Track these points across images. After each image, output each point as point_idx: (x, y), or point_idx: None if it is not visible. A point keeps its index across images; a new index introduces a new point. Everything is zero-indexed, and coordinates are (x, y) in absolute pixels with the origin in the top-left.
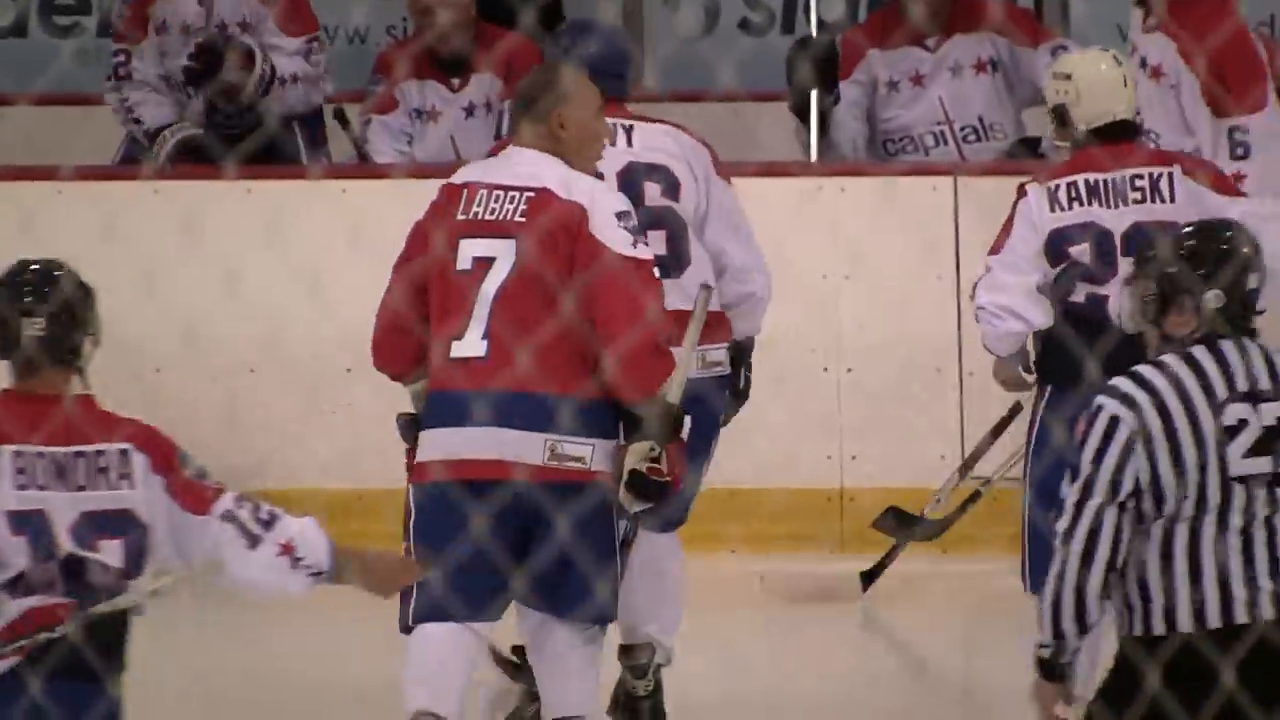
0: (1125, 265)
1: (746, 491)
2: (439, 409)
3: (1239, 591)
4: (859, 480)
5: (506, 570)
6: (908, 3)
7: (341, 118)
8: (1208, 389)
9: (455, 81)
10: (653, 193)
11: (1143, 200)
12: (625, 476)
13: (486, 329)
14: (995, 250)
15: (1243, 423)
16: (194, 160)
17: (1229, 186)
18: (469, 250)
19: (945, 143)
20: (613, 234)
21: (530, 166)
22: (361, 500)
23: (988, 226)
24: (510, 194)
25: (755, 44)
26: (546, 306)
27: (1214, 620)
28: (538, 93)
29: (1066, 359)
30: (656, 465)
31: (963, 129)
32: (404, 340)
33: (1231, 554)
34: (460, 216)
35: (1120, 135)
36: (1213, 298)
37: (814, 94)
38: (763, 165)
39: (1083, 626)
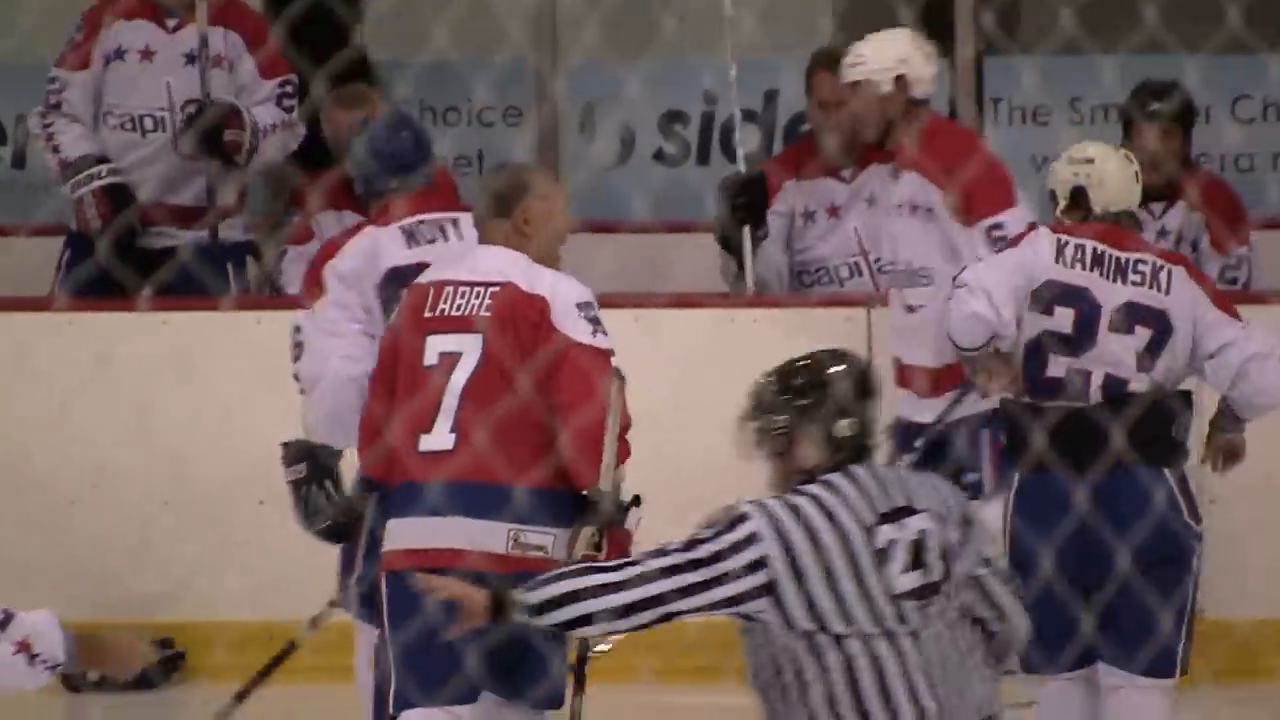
0: (1107, 340)
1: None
2: (406, 500)
3: (913, 709)
4: None
5: (465, 654)
6: (821, 135)
7: (254, 250)
8: (856, 515)
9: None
10: None
11: (1141, 284)
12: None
13: (454, 422)
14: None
15: (893, 543)
16: (116, 208)
17: (1229, 307)
18: (436, 346)
19: (860, 274)
20: (573, 324)
21: (493, 261)
22: (272, 633)
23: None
24: (475, 289)
25: (670, 174)
26: (511, 398)
27: None
28: (502, 189)
29: (1026, 446)
30: (595, 553)
31: (877, 260)
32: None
33: (913, 671)
34: (428, 314)
35: (1131, 225)
36: (846, 426)
37: (746, 227)
38: (676, 296)
39: (565, 626)
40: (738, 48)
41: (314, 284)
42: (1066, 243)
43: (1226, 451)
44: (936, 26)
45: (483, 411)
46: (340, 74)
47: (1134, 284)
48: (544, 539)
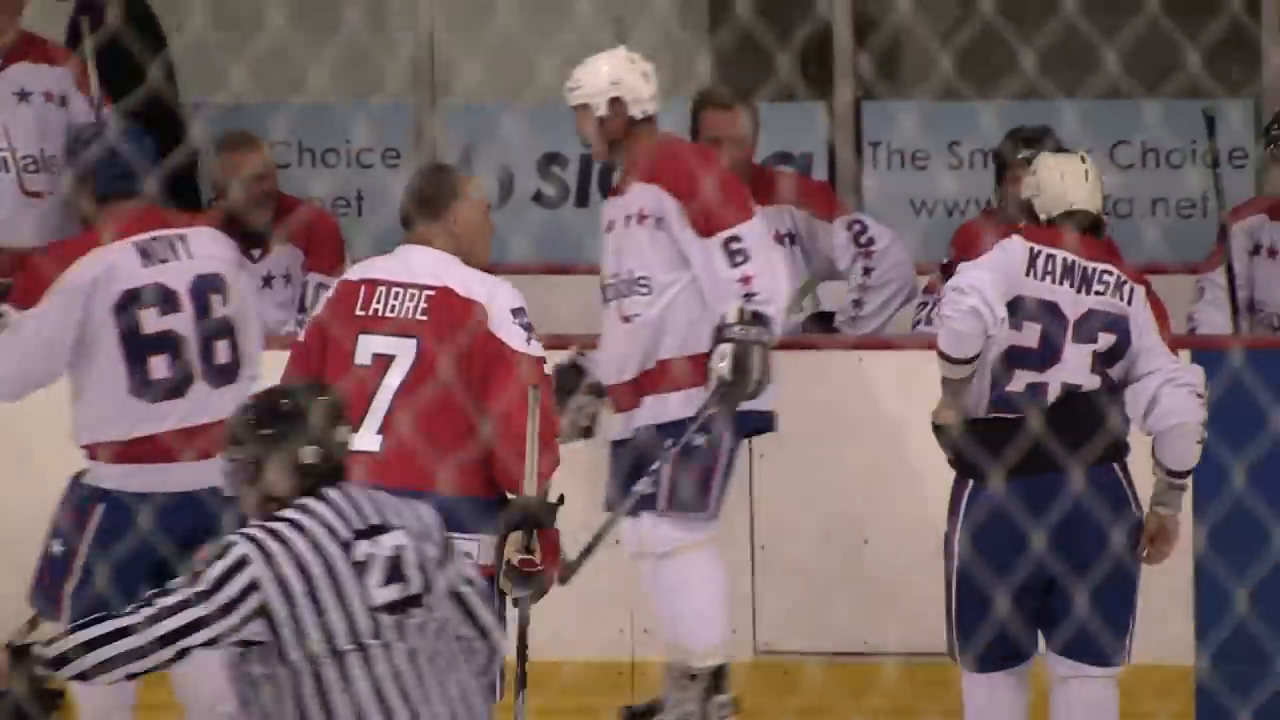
0: (1071, 350)
1: (539, 664)
2: None
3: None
4: (650, 654)
5: None
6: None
7: None
8: (333, 533)
9: (255, 253)
10: (217, 302)
11: (1104, 293)
12: (504, 566)
13: (382, 424)
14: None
15: (370, 557)
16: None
17: (1169, 339)
18: (368, 346)
19: None
20: (509, 330)
21: (427, 264)
22: None
23: (781, 399)
24: (410, 291)
25: (548, 216)
26: (442, 404)
27: None
28: (433, 191)
29: (993, 455)
30: (530, 555)
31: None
32: None
33: (386, 682)
34: (360, 313)
35: (1083, 225)
36: (310, 453)
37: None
38: (555, 338)
39: (85, 675)
40: None
41: (36, 285)
42: (1039, 253)
43: (1159, 533)
44: (815, 70)
45: (413, 416)
46: (138, 110)
47: (1097, 293)
48: (470, 545)
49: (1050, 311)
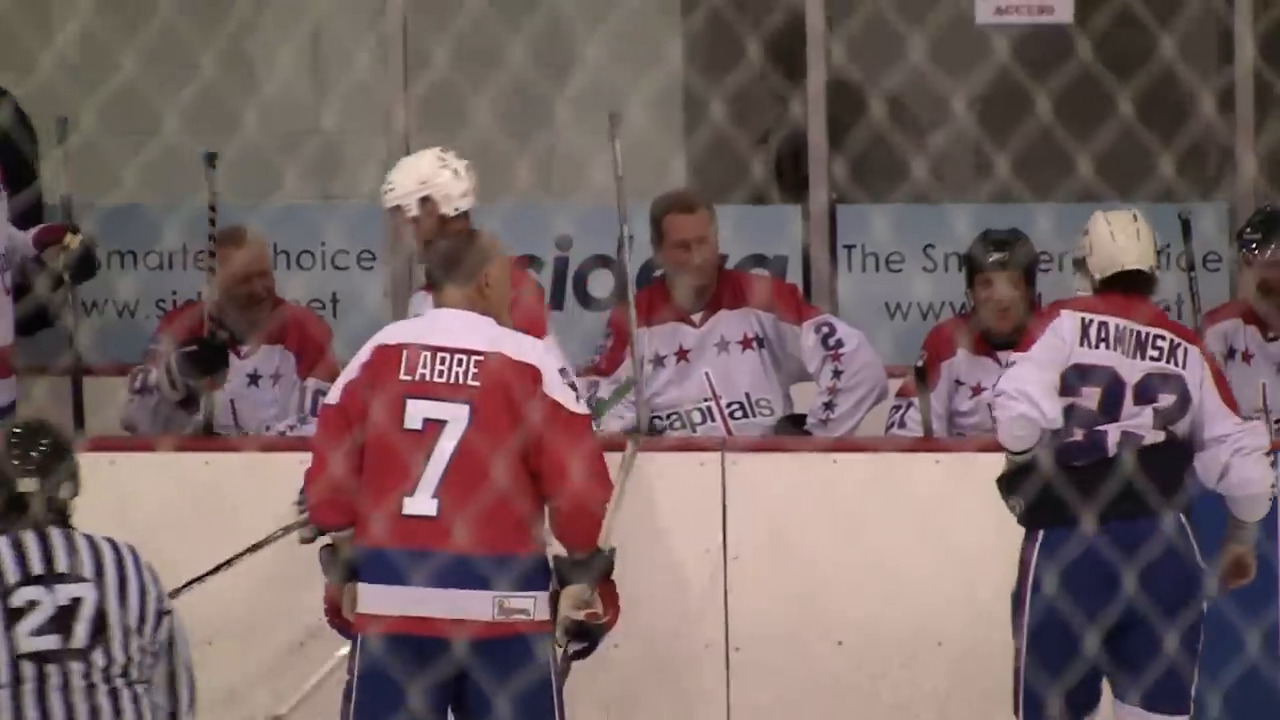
0: (1131, 411)
1: None
2: (386, 565)
3: None
4: None
5: None
6: (672, 280)
7: None
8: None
9: (243, 349)
10: None
11: (1159, 359)
12: (565, 623)
13: (437, 489)
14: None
15: (32, 604)
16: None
17: (1231, 399)
18: (418, 411)
19: (712, 419)
20: (562, 393)
21: (466, 328)
22: None
23: (754, 501)
24: (457, 356)
25: None
26: (499, 467)
27: None
28: (463, 254)
29: (1060, 501)
30: (591, 608)
31: (729, 405)
32: (346, 496)
33: None
34: (405, 378)
35: (1132, 285)
36: (30, 483)
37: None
38: None
39: None
40: (590, 194)
41: None
42: (1090, 321)
43: (1235, 567)
44: (790, 175)
45: (468, 480)
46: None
47: (1152, 359)
48: (526, 602)
49: (1106, 375)
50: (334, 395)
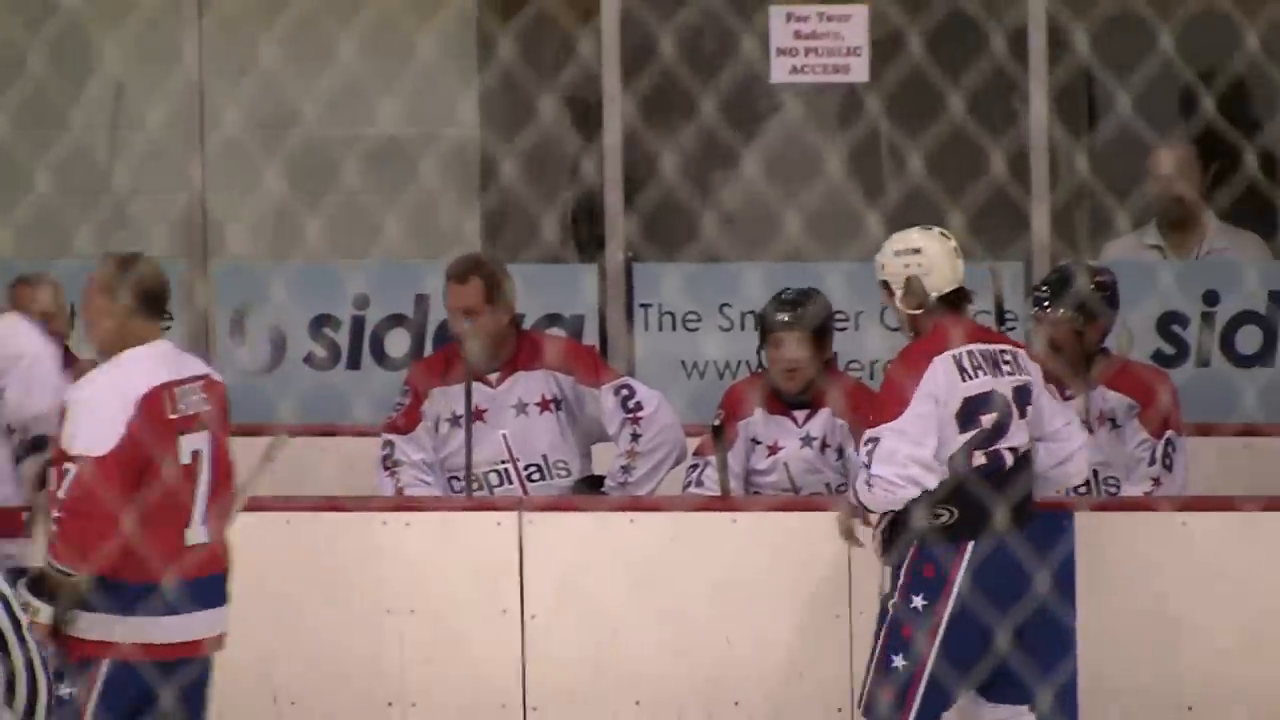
0: (1016, 425)
1: None
2: (170, 595)
3: None
4: None
5: None
6: (464, 342)
7: None
8: None
9: (493, 378)
10: None
11: (1012, 373)
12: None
13: (204, 515)
14: (883, 420)
15: None
16: None
17: (1060, 395)
18: (187, 445)
19: (509, 481)
20: None
21: (184, 354)
22: None
23: (551, 561)
24: (194, 384)
25: (317, 377)
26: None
27: None
28: (164, 290)
29: (981, 512)
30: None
31: (526, 467)
32: (119, 539)
33: None
34: (171, 415)
35: (960, 300)
36: None
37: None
38: (322, 499)
39: None
40: (386, 251)
41: None
42: (960, 355)
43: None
44: (585, 233)
45: (218, 504)
46: None
47: (1008, 373)
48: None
49: (993, 400)
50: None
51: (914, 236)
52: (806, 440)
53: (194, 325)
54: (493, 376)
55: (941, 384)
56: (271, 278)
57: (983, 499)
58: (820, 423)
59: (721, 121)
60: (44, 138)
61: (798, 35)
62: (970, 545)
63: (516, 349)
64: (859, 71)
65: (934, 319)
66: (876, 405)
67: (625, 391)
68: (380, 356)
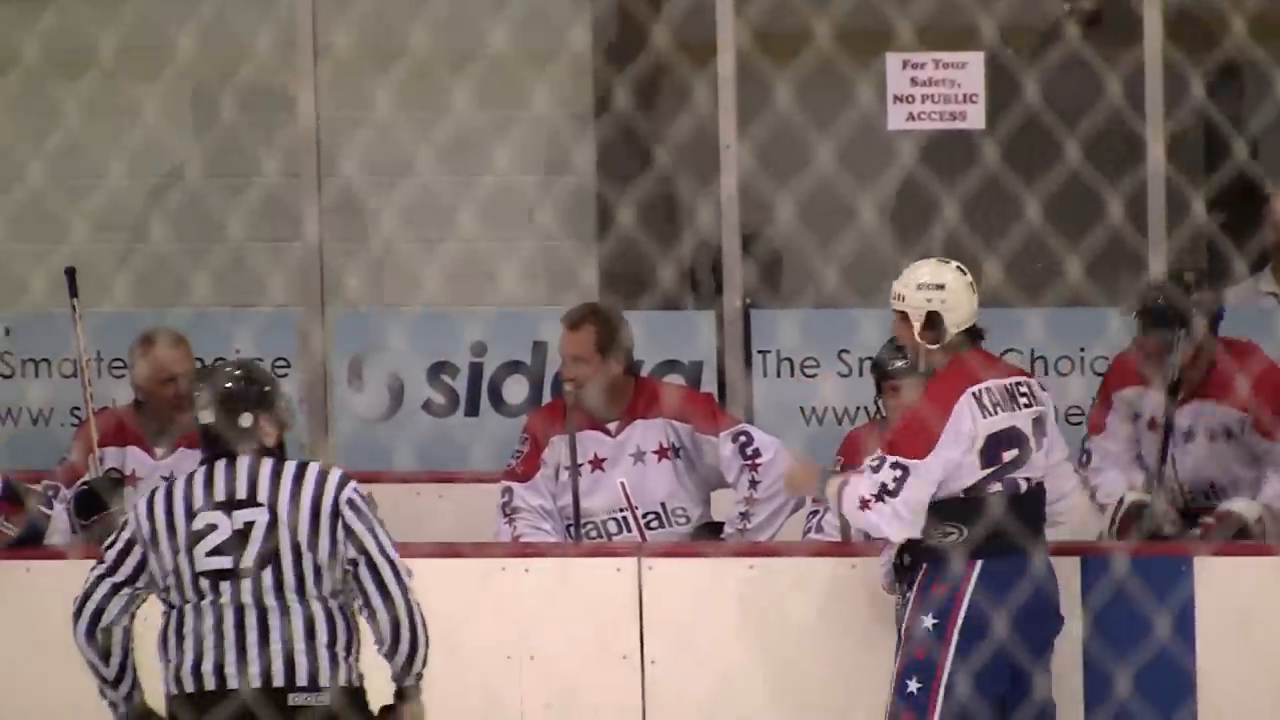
0: (1034, 457)
1: None
2: None
3: (208, 664)
4: None
5: None
6: (580, 395)
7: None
8: (189, 499)
9: (159, 451)
10: None
11: (1029, 405)
12: None
13: None
14: (910, 453)
15: (211, 527)
16: None
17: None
18: None
19: (628, 529)
20: None
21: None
22: None
23: (671, 607)
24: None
25: (435, 424)
26: None
27: (187, 686)
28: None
29: (989, 529)
30: None
31: (645, 514)
32: None
33: (207, 633)
34: None
35: (977, 335)
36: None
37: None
38: (440, 546)
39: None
40: (499, 298)
41: None
42: (980, 393)
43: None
44: (704, 280)
45: None
46: None
47: (1025, 405)
48: None
49: (1017, 435)
50: None
51: (937, 271)
52: None
53: (312, 373)
54: (611, 425)
55: (966, 426)
56: (389, 325)
57: (990, 517)
58: None
59: (838, 168)
60: (159, 186)
61: (914, 82)
62: (979, 563)
63: (635, 397)
64: (975, 118)
65: (952, 353)
66: (903, 433)
67: (743, 438)
68: (498, 403)
